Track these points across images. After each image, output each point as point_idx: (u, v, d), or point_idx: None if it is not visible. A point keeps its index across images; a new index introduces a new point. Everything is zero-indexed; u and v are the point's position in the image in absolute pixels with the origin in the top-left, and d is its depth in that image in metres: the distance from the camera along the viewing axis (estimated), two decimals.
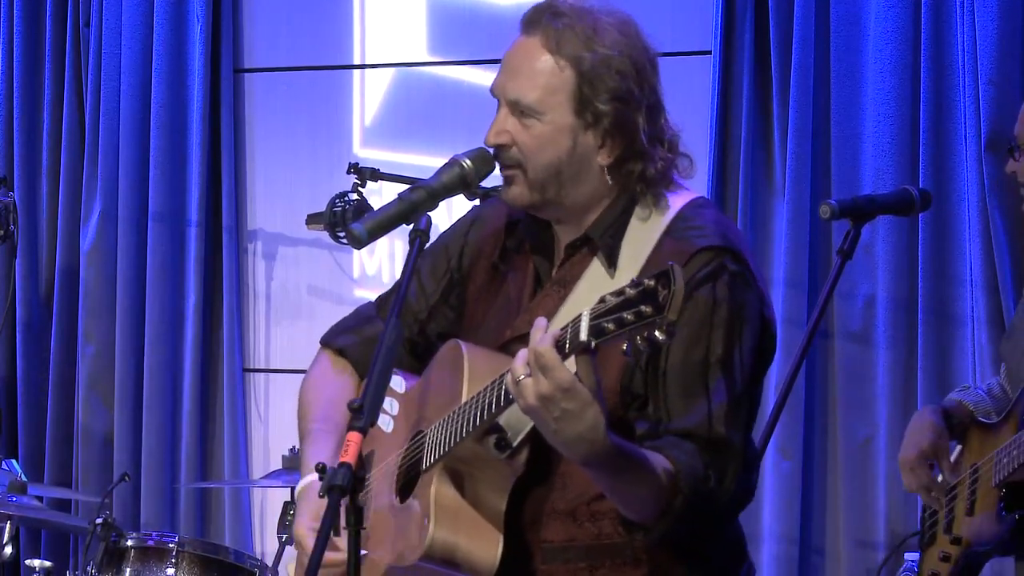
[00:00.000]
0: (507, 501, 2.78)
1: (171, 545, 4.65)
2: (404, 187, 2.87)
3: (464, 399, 2.75)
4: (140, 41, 6.22)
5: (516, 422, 2.74)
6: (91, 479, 6.23)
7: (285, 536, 4.79)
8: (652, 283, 2.38)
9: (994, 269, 5.04)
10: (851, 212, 3.78)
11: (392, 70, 6.09)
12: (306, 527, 2.89)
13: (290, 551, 4.81)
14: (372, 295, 6.32)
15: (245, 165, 6.25)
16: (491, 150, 2.84)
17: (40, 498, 5.20)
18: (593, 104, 2.79)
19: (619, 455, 2.59)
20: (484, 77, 5.48)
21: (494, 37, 5.03)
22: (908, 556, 4.52)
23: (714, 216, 2.87)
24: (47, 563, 4.92)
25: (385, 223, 2.74)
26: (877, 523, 5.23)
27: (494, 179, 2.90)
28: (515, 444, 2.75)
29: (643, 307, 2.38)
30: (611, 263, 2.80)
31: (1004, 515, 3.63)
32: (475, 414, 2.69)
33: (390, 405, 2.88)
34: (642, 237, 2.81)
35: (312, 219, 5.40)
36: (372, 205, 5.24)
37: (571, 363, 2.50)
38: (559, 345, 2.48)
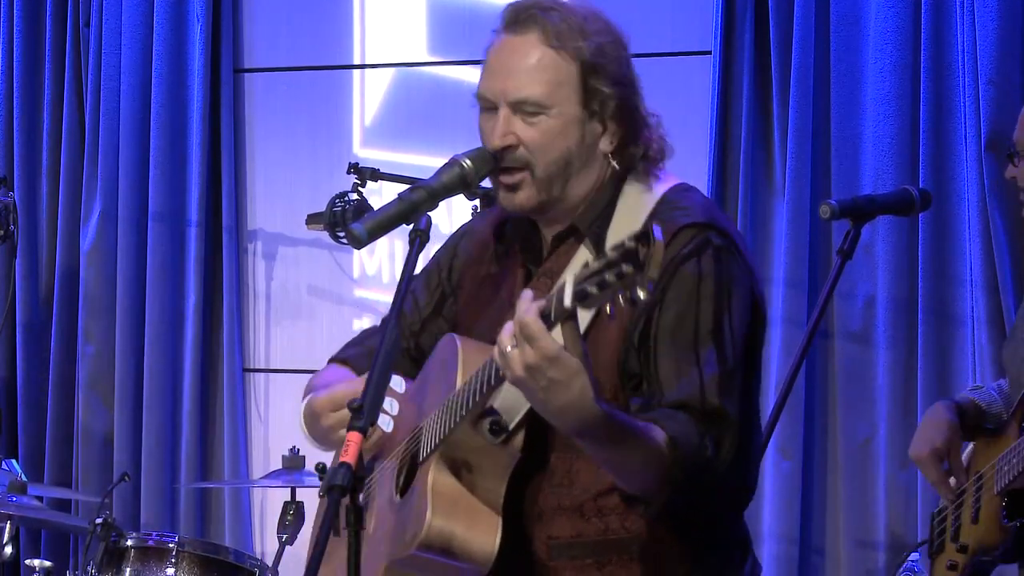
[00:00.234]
0: (506, 488, 2.79)
1: (171, 545, 4.64)
2: (404, 187, 2.87)
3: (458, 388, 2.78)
4: (140, 41, 6.22)
5: (511, 405, 2.75)
6: (91, 479, 6.23)
7: (285, 536, 4.79)
8: (632, 243, 2.41)
9: (994, 269, 5.04)
10: (851, 212, 3.78)
11: (392, 70, 6.09)
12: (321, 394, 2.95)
13: (290, 551, 4.82)
14: (372, 295, 6.32)
15: (245, 165, 6.24)
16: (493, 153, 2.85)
17: (40, 498, 5.19)
18: (598, 92, 2.84)
19: (610, 424, 2.60)
20: None
21: None
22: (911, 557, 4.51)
23: (699, 198, 2.91)
24: (47, 563, 4.92)
25: (385, 223, 2.74)
26: (877, 523, 5.23)
27: None
28: (511, 428, 2.75)
29: (624, 267, 2.40)
30: (598, 249, 2.82)
31: (1006, 523, 3.63)
32: (468, 397, 2.71)
33: (390, 405, 2.89)
34: (628, 221, 2.83)
35: (312, 219, 5.40)
36: (372, 205, 5.24)
37: (557, 335, 2.52)
38: (544, 315, 2.50)
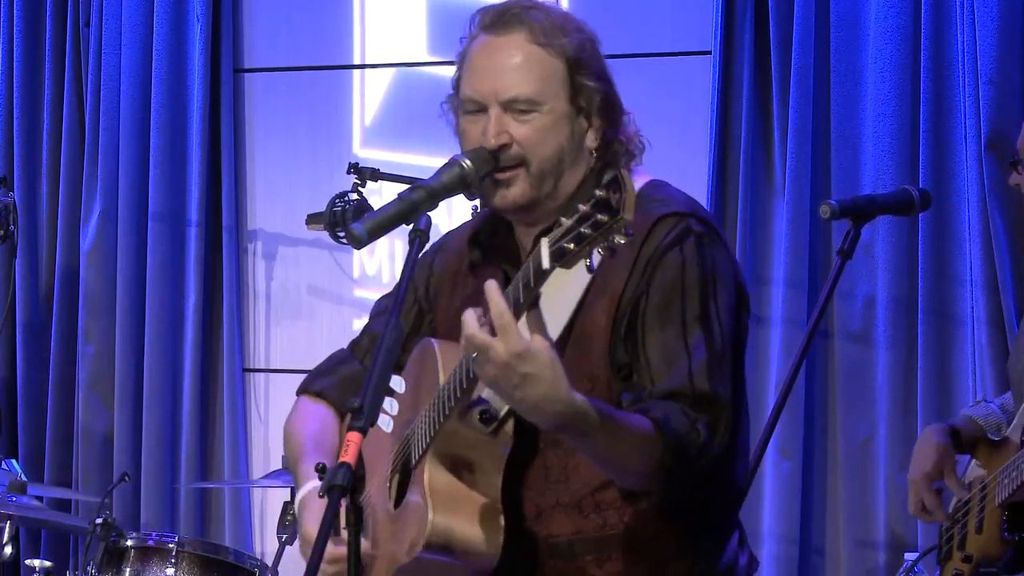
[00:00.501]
0: (502, 480, 2.78)
1: (171, 545, 4.65)
2: (404, 187, 2.87)
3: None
4: (140, 41, 6.22)
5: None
6: (91, 479, 6.23)
7: (285, 536, 4.79)
8: (603, 192, 2.43)
9: (994, 269, 5.04)
10: (851, 212, 3.77)
11: (392, 70, 6.09)
12: (315, 526, 2.89)
13: (290, 551, 4.81)
14: (372, 295, 6.32)
15: (245, 165, 6.25)
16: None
17: (40, 498, 5.19)
18: (584, 87, 2.85)
19: (590, 414, 2.60)
20: None
21: None
22: (908, 556, 4.52)
23: (675, 191, 2.93)
24: (47, 563, 4.93)
25: (385, 223, 2.74)
26: (877, 523, 5.23)
27: None
28: (501, 415, 2.75)
29: (599, 216, 2.42)
30: None
31: (1007, 536, 3.63)
32: (453, 390, 2.71)
33: (390, 405, 2.88)
34: None
35: (312, 219, 5.40)
36: (372, 205, 5.23)
37: (523, 328, 2.54)
38: (525, 284, 2.53)
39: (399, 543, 2.83)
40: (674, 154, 5.26)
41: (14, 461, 5.43)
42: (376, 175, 5.35)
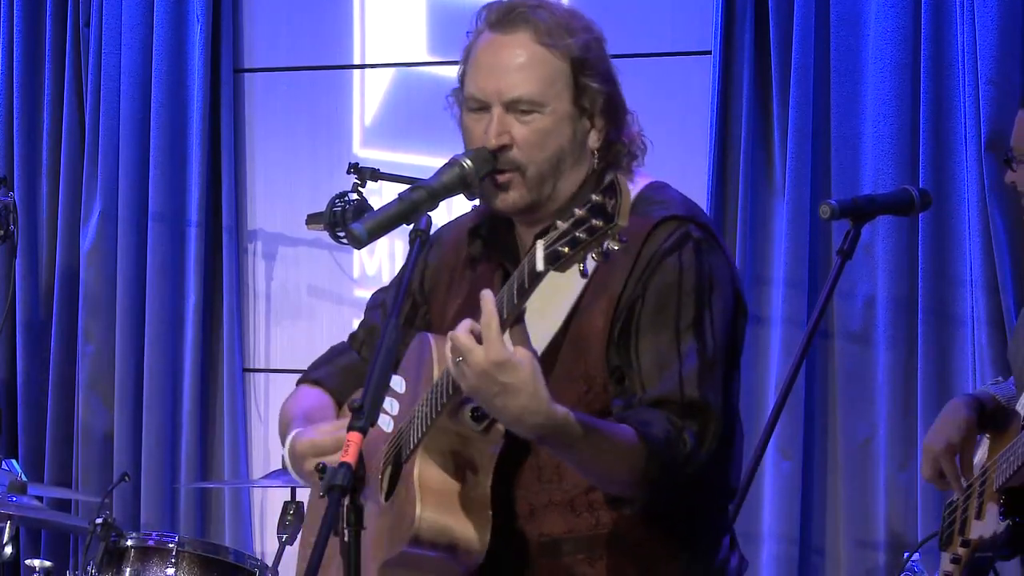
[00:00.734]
0: (492, 477, 2.79)
1: (171, 545, 4.65)
2: (404, 187, 2.87)
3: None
4: (140, 41, 6.22)
5: None
6: (91, 479, 6.23)
7: (285, 536, 4.79)
8: (599, 198, 2.43)
9: (994, 269, 5.04)
10: (851, 212, 3.77)
11: (392, 70, 6.09)
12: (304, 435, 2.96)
13: (290, 551, 4.82)
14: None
15: (245, 165, 6.25)
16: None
17: (40, 498, 5.19)
18: (588, 88, 2.85)
19: (572, 427, 2.61)
20: None
21: None
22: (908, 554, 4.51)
23: (676, 194, 2.93)
24: (47, 563, 4.92)
25: (385, 223, 2.74)
26: (877, 523, 5.23)
27: None
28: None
29: (595, 221, 2.42)
30: None
31: (1003, 520, 3.64)
32: (446, 387, 2.71)
33: (390, 405, 2.89)
34: None
35: (312, 219, 5.40)
36: (372, 205, 5.24)
37: (508, 339, 2.55)
38: (520, 286, 2.53)
39: (387, 536, 2.84)
40: (674, 154, 5.26)
41: (14, 461, 5.42)
42: (376, 175, 5.35)
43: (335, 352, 3.23)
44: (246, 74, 6.25)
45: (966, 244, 5.12)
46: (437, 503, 2.76)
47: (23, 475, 5.21)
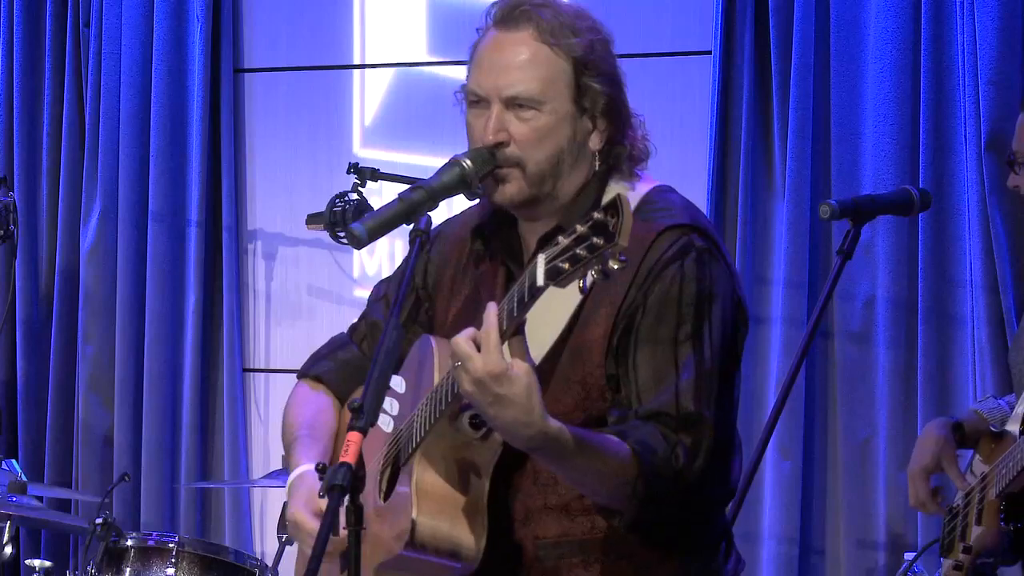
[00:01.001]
0: (490, 483, 2.79)
1: (171, 545, 4.65)
2: (404, 187, 2.87)
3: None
4: (140, 41, 6.22)
5: None
6: (91, 479, 6.23)
7: (285, 536, 4.79)
8: (601, 215, 2.43)
9: (994, 269, 5.04)
10: (851, 212, 3.78)
11: (392, 70, 6.09)
12: (301, 507, 2.92)
13: (290, 551, 4.81)
14: None
15: (245, 165, 6.25)
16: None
17: (40, 498, 5.19)
18: (590, 89, 2.85)
19: (564, 441, 2.62)
20: None
21: None
22: (908, 556, 4.52)
23: (679, 199, 2.92)
24: (47, 563, 4.93)
25: (385, 223, 2.74)
26: (877, 523, 5.23)
27: None
28: None
29: (595, 239, 2.43)
30: None
31: (1003, 526, 3.64)
32: (445, 393, 2.72)
33: (390, 405, 2.89)
34: None
35: (312, 219, 5.40)
36: (372, 205, 5.23)
37: (506, 350, 2.56)
38: (520, 299, 2.53)
39: (383, 539, 2.84)
40: (674, 154, 5.26)
41: (14, 461, 5.43)
42: (376, 175, 5.35)
43: (335, 345, 3.22)
44: (246, 74, 6.25)
45: (966, 244, 5.12)
46: (433, 508, 2.76)
47: (23, 475, 5.21)
